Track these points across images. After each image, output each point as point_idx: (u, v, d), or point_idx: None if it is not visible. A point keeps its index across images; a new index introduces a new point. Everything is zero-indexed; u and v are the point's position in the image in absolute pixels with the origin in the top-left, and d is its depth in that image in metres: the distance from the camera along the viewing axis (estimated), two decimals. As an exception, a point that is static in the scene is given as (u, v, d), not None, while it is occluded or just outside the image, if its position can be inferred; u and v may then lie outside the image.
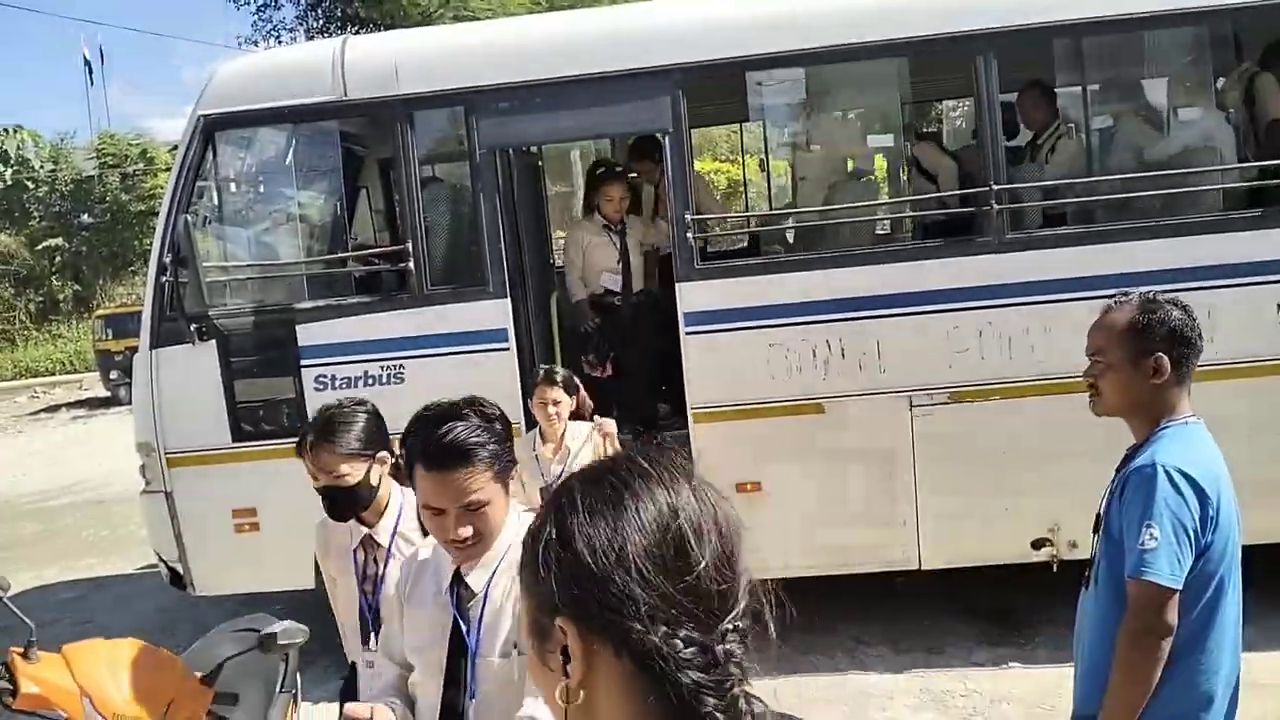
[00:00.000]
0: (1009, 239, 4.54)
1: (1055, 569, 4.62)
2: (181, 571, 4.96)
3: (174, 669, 2.72)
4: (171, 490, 4.87)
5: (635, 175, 6.11)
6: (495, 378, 4.66)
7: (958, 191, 5.01)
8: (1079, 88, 5.08)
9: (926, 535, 4.70)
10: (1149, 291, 2.25)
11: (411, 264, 4.68)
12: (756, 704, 0.90)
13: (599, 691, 0.90)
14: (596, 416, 4.35)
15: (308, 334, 4.74)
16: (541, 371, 4.24)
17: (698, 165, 5.75)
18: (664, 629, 0.86)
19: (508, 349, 4.69)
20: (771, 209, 6.15)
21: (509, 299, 4.70)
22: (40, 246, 24.12)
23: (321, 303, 4.89)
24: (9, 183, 24.70)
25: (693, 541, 0.90)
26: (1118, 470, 2.24)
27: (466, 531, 1.83)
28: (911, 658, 4.76)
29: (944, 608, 5.17)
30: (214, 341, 4.74)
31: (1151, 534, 2.03)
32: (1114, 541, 2.16)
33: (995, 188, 4.48)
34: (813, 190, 5.39)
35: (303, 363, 4.73)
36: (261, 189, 5.46)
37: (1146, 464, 2.10)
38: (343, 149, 5.17)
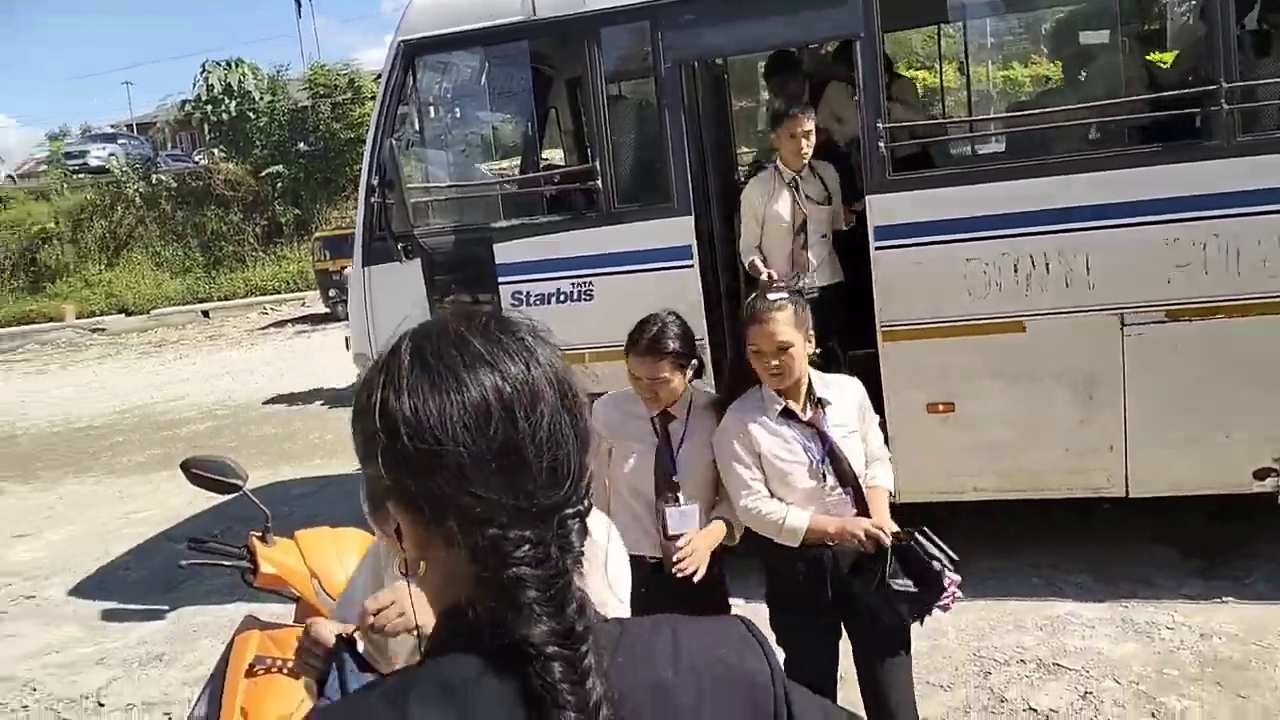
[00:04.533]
0: (1240, 142, 4.11)
1: (1281, 501, 4.28)
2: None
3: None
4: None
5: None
6: (680, 294, 4.70)
7: (1182, 91, 4.56)
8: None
9: (1135, 462, 4.43)
10: None
11: (599, 182, 4.75)
12: (581, 593, 0.88)
13: (434, 566, 0.90)
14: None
15: (504, 252, 4.92)
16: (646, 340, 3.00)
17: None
18: (493, 530, 0.84)
19: (692, 266, 4.71)
20: (971, 117, 5.80)
21: (693, 215, 4.71)
22: (263, 174, 25.98)
23: (515, 222, 5.06)
24: (234, 114, 26.63)
25: (524, 435, 0.85)
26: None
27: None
28: (1115, 588, 4.54)
29: (1152, 539, 4.90)
30: (419, 259, 5.00)
31: None
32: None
33: (1225, 86, 4.05)
34: (1018, 93, 5.04)
35: (500, 280, 4.93)
36: (458, 111, 5.66)
37: None
38: (533, 69, 5.26)
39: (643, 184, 5.05)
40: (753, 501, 2.87)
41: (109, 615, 5.75)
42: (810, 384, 2.90)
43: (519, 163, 5.66)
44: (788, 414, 2.87)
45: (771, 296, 2.87)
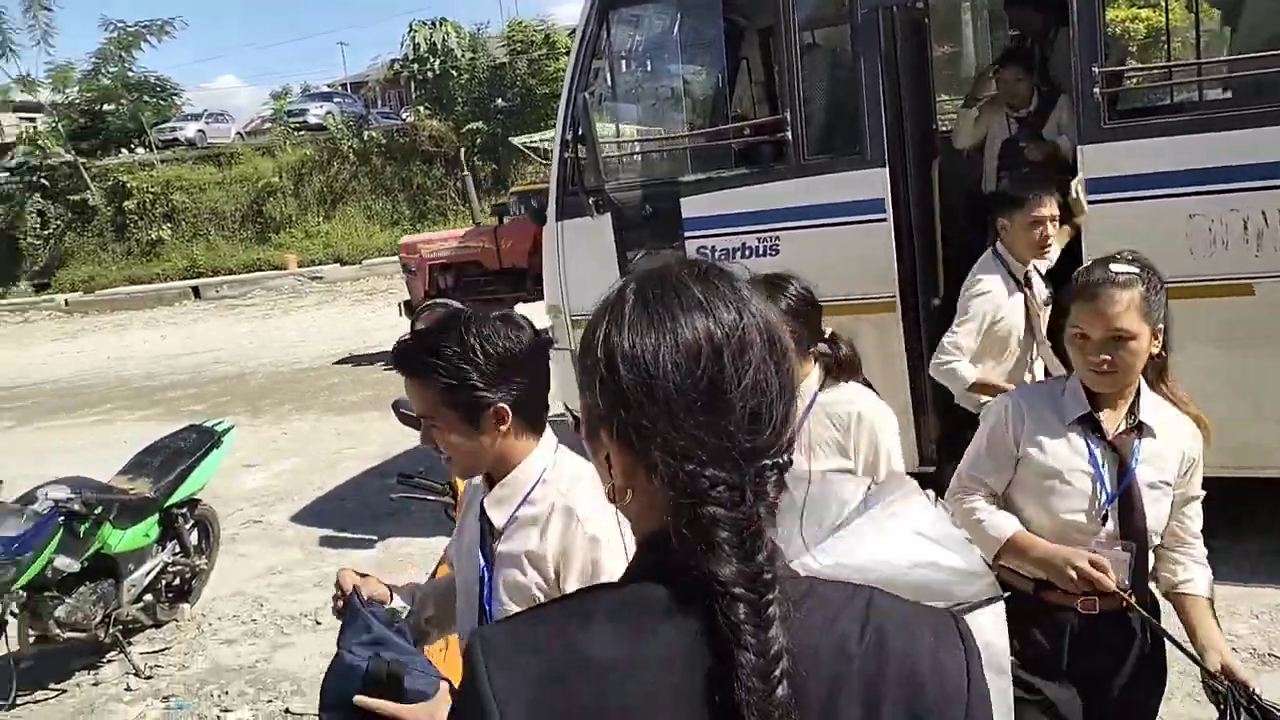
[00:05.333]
0: None
1: None
2: (583, 421, 5.53)
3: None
4: (575, 349, 5.39)
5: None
6: (870, 250, 4.59)
7: None
8: None
9: (1378, 440, 4.00)
10: None
11: (789, 134, 4.67)
12: (772, 543, 0.90)
13: (638, 496, 0.94)
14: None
15: (691, 206, 4.94)
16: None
17: (1111, 13, 5.07)
18: (692, 466, 0.88)
19: (884, 220, 4.58)
20: (1200, 59, 5.30)
21: (887, 167, 4.56)
22: (464, 130, 27.09)
23: (703, 175, 5.06)
24: (438, 73, 27.83)
25: (729, 378, 0.89)
26: None
27: (430, 444, 1.82)
28: (1345, 577, 4.16)
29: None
30: (609, 214, 5.09)
31: None
32: None
33: None
34: (1255, 34, 4.58)
35: (686, 234, 4.96)
36: (650, 64, 5.69)
37: None
38: (725, 20, 5.21)
39: (834, 135, 4.93)
40: (970, 503, 2.31)
41: (325, 541, 6.28)
42: (1138, 399, 2.20)
43: (708, 116, 5.64)
44: (1089, 422, 2.19)
45: (1116, 268, 2.17)
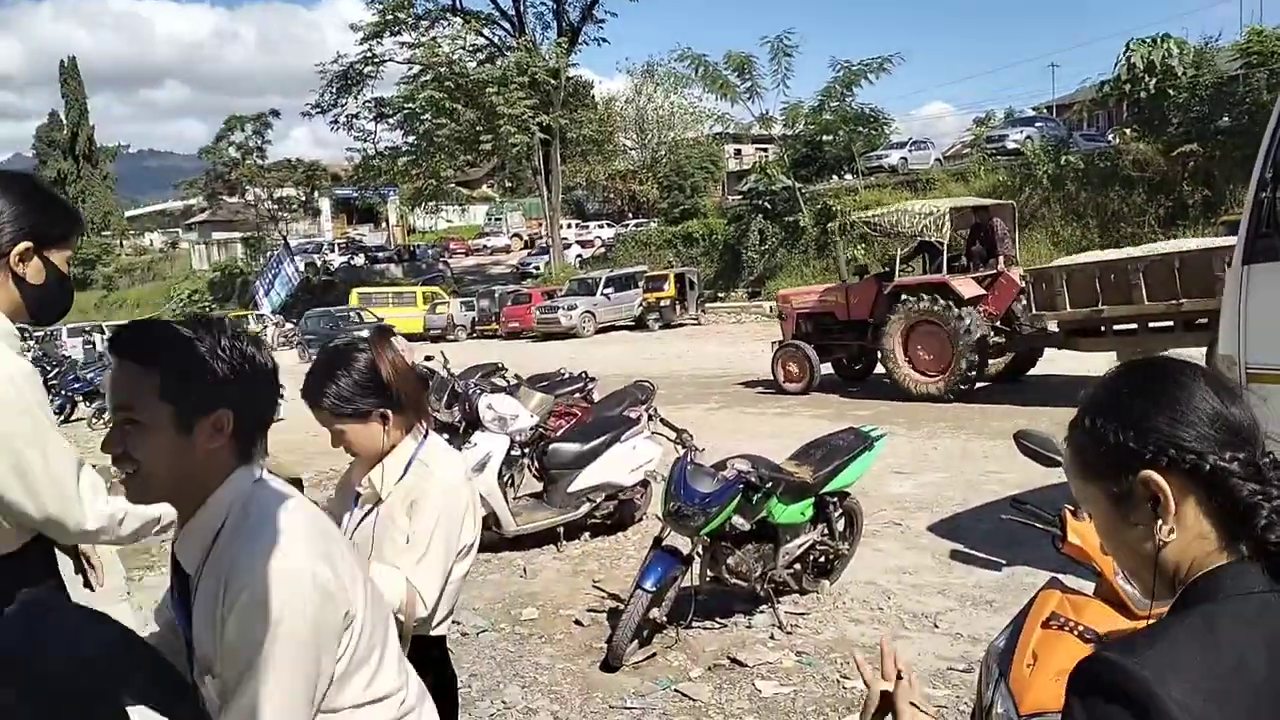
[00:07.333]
0: None
1: None
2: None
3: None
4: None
5: None
6: None
7: None
8: None
9: None
10: None
11: None
12: None
13: (1184, 521, 1.16)
14: None
15: None
16: None
17: None
18: (1217, 455, 1.15)
19: None
20: None
21: None
22: (1175, 153, 24.79)
23: None
24: (1152, 92, 25.82)
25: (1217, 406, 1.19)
26: None
27: (115, 449, 1.48)
28: None
29: None
30: (1306, 260, 4.54)
31: None
32: None
33: None
34: None
35: None
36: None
37: None
38: None
39: None
40: None
41: (955, 555, 6.59)
42: None
43: None
44: None
45: None
